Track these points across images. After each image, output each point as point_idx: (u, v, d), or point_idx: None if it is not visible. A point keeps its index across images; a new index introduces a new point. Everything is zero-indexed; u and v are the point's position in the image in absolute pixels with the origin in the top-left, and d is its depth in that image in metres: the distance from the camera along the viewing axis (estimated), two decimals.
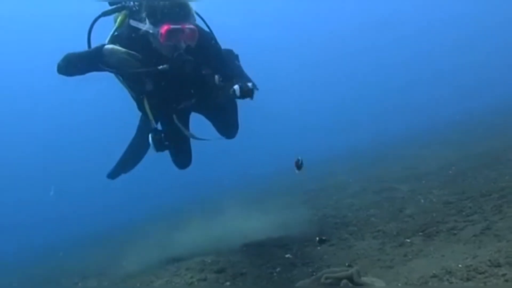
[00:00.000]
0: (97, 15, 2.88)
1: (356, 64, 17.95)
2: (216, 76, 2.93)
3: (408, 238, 3.06)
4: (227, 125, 3.46)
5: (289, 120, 14.21)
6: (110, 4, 2.94)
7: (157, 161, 3.63)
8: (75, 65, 2.69)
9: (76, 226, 8.48)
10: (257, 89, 2.88)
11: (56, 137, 14.29)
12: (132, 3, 2.72)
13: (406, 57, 17.88)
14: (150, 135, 2.85)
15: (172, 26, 2.54)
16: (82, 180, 11.81)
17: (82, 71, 2.78)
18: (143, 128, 3.50)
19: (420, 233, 3.09)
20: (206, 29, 2.99)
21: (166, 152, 3.46)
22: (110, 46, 2.67)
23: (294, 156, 3.15)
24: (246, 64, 3.20)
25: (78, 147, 13.78)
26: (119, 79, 2.95)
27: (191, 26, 2.64)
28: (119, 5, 2.83)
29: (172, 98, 2.96)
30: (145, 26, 2.63)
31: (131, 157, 3.73)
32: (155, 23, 2.59)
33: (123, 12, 2.82)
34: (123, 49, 2.65)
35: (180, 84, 2.88)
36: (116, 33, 2.82)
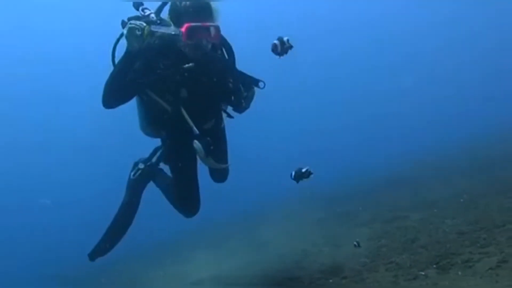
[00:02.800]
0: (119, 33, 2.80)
1: (359, 85, 17.81)
2: (241, 86, 2.98)
3: (422, 271, 3.00)
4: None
5: (291, 142, 14.11)
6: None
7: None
8: (114, 86, 2.67)
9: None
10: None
11: None
12: (155, 17, 2.72)
13: (412, 78, 17.75)
14: (195, 142, 2.77)
15: (192, 24, 2.58)
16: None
17: (123, 92, 2.73)
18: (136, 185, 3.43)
19: (434, 265, 3.03)
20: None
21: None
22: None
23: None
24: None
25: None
26: (150, 96, 2.85)
27: (213, 24, 2.67)
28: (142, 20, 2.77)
29: (202, 110, 2.93)
30: (170, 29, 2.66)
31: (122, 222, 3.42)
32: (178, 24, 2.63)
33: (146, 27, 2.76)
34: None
35: (208, 91, 2.87)
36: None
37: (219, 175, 3.46)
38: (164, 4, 2.82)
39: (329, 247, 4.50)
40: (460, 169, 7.18)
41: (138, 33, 2.59)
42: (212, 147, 2.82)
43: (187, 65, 2.70)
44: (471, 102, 14.60)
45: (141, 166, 3.46)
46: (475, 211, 4.11)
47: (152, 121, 3.06)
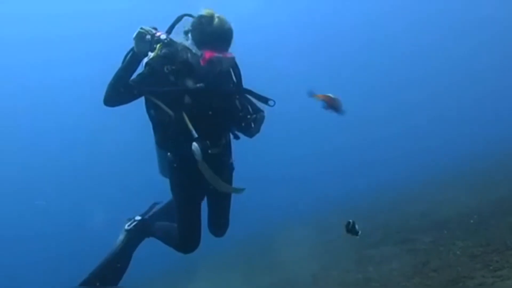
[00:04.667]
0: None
1: (362, 104, 17.69)
2: (249, 107, 2.97)
3: None
4: (223, 217, 3.30)
5: (293, 164, 14.04)
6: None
7: None
8: (117, 85, 2.71)
9: None
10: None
11: None
12: (165, 37, 2.75)
13: (419, 93, 17.57)
14: (193, 143, 2.74)
15: (216, 55, 2.65)
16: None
17: (125, 92, 2.74)
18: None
19: None
20: None
21: None
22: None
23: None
24: None
25: None
26: (152, 101, 2.83)
27: (232, 56, 2.74)
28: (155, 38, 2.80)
29: (208, 127, 2.88)
30: (188, 43, 2.72)
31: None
32: (200, 45, 2.68)
33: (158, 45, 2.81)
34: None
35: (214, 110, 2.87)
36: (153, 56, 2.80)
37: (219, 226, 3.33)
38: (174, 24, 2.86)
39: (338, 271, 4.44)
40: (468, 185, 7.12)
41: (148, 38, 2.69)
42: (209, 151, 2.79)
43: (199, 85, 2.74)
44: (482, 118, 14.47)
45: (138, 218, 3.48)
46: (486, 232, 4.03)
47: (160, 141, 3.02)
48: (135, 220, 3.47)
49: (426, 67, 18.24)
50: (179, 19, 2.85)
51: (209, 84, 2.75)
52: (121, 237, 3.42)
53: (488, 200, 5.41)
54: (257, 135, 3.02)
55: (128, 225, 3.45)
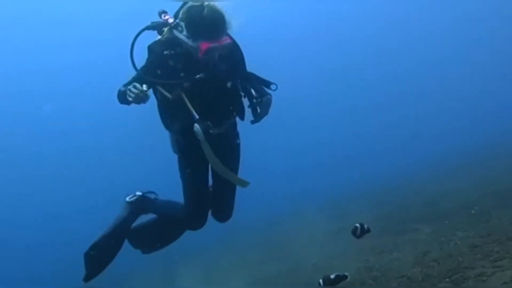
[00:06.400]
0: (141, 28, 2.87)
1: (365, 94, 17.58)
2: (252, 90, 2.98)
3: (434, 285, 2.97)
4: (227, 203, 3.29)
5: (296, 155, 14.05)
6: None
7: None
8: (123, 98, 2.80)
9: None
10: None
11: None
12: (173, 20, 2.79)
13: (421, 83, 17.49)
14: (195, 125, 2.75)
15: (211, 45, 2.66)
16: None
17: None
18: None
19: (447, 279, 3.00)
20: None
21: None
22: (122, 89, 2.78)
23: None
24: None
25: None
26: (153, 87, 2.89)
27: (228, 41, 2.75)
28: (161, 21, 2.86)
29: (209, 109, 2.90)
30: (183, 37, 2.74)
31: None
32: (194, 37, 2.69)
33: (167, 27, 2.87)
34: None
35: (218, 95, 2.91)
36: (155, 40, 2.88)
37: (222, 212, 3.33)
38: (180, 10, 2.86)
39: (339, 260, 4.48)
40: (470, 177, 7.13)
41: (145, 94, 2.65)
42: (211, 131, 2.78)
43: (198, 76, 2.77)
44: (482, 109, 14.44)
45: (139, 193, 3.42)
46: (487, 223, 4.06)
47: (166, 122, 3.05)
48: (135, 195, 3.41)
49: (429, 57, 18.12)
50: (185, 4, 2.84)
51: (208, 73, 2.78)
52: (122, 210, 3.36)
53: (490, 192, 5.43)
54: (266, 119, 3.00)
55: (130, 198, 3.39)
